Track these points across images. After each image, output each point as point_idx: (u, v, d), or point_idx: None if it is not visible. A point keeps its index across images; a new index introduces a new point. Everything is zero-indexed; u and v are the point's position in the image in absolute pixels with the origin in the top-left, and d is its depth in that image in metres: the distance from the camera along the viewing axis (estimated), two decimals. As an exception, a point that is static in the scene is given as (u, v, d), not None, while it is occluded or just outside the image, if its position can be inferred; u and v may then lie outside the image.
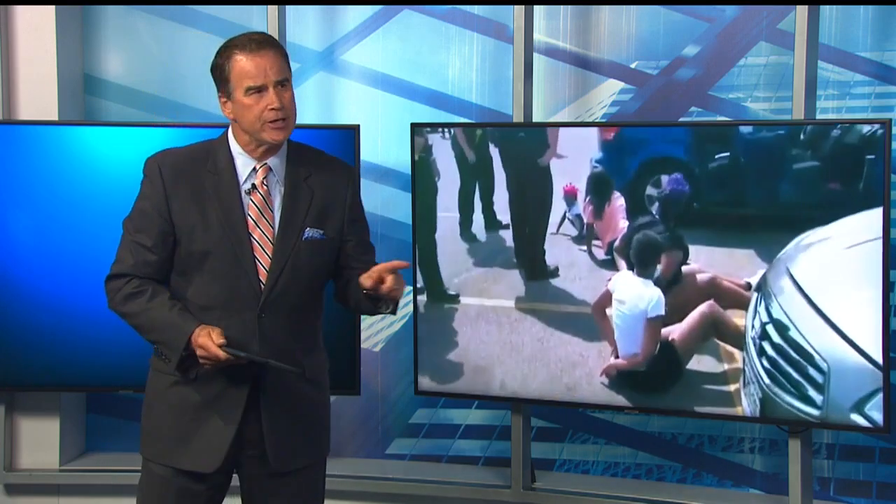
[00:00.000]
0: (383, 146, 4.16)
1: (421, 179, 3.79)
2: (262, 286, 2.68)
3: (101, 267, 3.74)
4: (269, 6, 3.96)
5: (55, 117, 4.05)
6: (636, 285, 3.58)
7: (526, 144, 3.68)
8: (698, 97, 3.91)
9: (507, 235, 3.74)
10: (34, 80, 4.07)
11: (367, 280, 2.64)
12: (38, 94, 4.07)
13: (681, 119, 3.90)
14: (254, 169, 2.70)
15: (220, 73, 2.68)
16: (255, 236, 2.68)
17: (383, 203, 4.17)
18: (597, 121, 3.98)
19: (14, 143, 3.84)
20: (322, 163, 2.80)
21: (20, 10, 4.07)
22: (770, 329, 3.42)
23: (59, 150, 3.84)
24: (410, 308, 3.88)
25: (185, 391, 2.69)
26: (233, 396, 2.69)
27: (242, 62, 2.64)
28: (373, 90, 4.20)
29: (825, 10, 3.63)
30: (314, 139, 3.79)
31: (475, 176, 3.75)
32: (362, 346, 3.95)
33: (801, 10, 3.46)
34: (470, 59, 4.13)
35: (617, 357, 3.62)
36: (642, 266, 3.57)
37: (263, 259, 2.69)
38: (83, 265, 3.82)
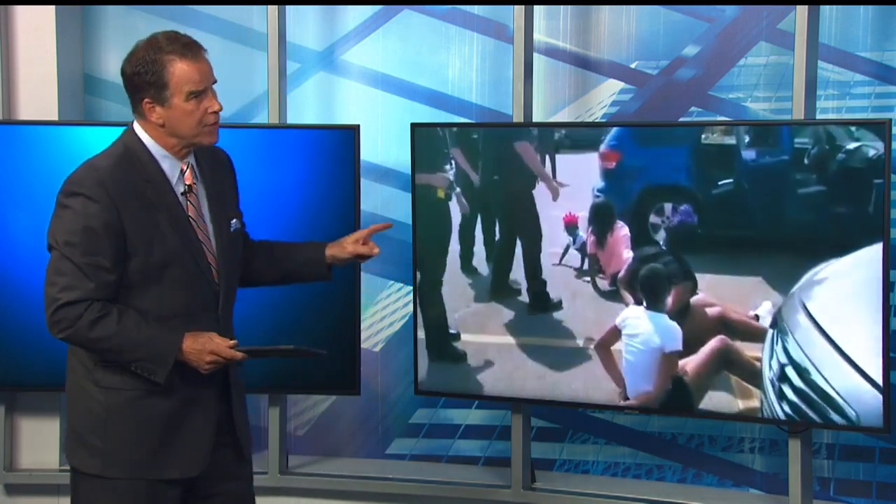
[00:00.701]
0: (383, 146, 4.16)
1: (438, 221, 3.74)
2: (218, 287, 2.69)
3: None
4: (269, 6, 3.96)
5: (55, 117, 4.05)
6: (649, 320, 3.50)
7: (526, 174, 3.63)
8: (698, 97, 3.91)
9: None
10: (34, 80, 4.07)
11: (355, 245, 2.88)
12: (38, 94, 4.06)
13: (681, 119, 3.90)
14: (181, 170, 2.67)
15: (151, 77, 2.58)
16: (200, 238, 2.67)
17: (383, 203, 4.17)
18: (597, 121, 3.98)
19: (14, 143, 3.84)
20: (211, 153, 2.79)
21: (20, 10, 4.07)
22: (790, 371, 3.34)
23: (59, 150, 3.84)
24: (410, 308, 3.88)
25: (153, 402, 2.63)
26: (209, 396, 2.69)
27: (183, 67, 2.58)
28: (373, 90, 4.20)
29: (825, 10, 3.63)
30: (314, 139, 3.83)
31: (476, 208, 3.71)
32: (362, 346, 3.95)
33: (801, 10, 3.46)
34: (470, 59, 4.13)
35: (626, 399, 3.56)
36: (653, 300, 3.49)
37: (211, 259, 2.69)
38: (83, 265, 3.82)
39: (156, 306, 2.62)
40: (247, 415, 2.85)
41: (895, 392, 3.33)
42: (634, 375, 3.55)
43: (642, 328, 3.52)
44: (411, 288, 3.82)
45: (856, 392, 3.27)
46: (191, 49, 2.61)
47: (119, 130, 3.84)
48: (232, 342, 2.60)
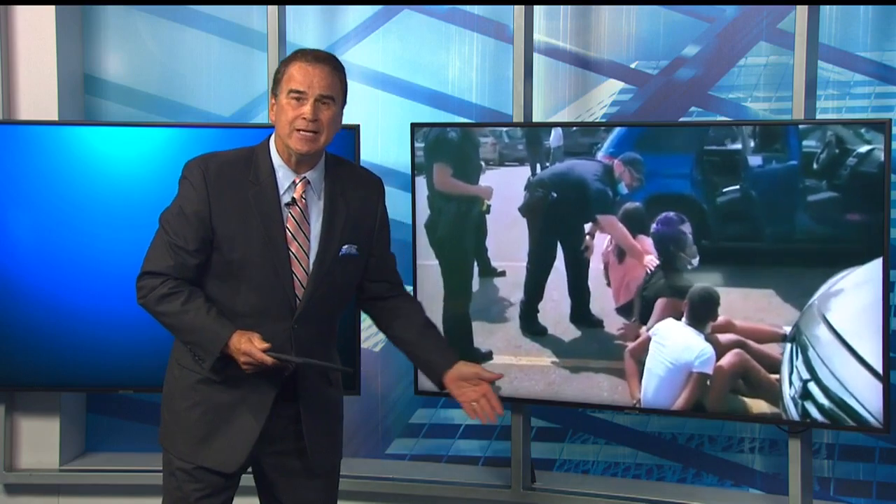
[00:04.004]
0: (383, 146, 4.16)
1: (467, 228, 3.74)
2: (298, 300, 2.74)
3: (102, 267, 3.74)
4: (269, 6, 3.96)
5: (55, 117, 4.05)
6: (686, 336, 3.46)
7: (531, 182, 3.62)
8: (698, 97, 3.91)
9: (502, 283, 3.66)
10: (34, 80, 4.07)
11: (468, 393, 2.84)
12: (38, 94, 4.06)
13: (681, 119, 3.90)
14: (293, 182, 2.74)
15: (277, 75, 2.75)
16: (292, 250, 2.73)
17: (383, 203, 4.16)
18: (597, 121, 3.98)
19: (14, 143, 3.84)
20: (356, 177, 2.87)
21: (20, 10, 4.07)
22: (813, 388, 3.32)
23: (59, 150, 3.84)
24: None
25: (211, 391, 2.75)
26: (259, 399, 2.75)
27: (296, 67, 2.69)
28: (373, 90, 4.20)
29: (825, 10, 3.63)
30: (314, 139, 3.81)
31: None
32: (362, 346, 3.95)
33: (801, 10, 3.46)
34: (470, 59, 4.13)
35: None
36: (696, 319, 3.44)
37: (299, 273, 2.74)
38: (83, 265, 3.82)
39: (229, 301, 2.72)
40: (331, 427, 2.89)
41: (895, 391, 3.34)
42: (656, 389, 3.53)
43: (674, 341, 3.48)
44: (411, 288, 3.82)
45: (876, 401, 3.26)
46: (311, 55, 2.71)
47: (119, 130, 3.87)
48: (265, 345, 2.65)
